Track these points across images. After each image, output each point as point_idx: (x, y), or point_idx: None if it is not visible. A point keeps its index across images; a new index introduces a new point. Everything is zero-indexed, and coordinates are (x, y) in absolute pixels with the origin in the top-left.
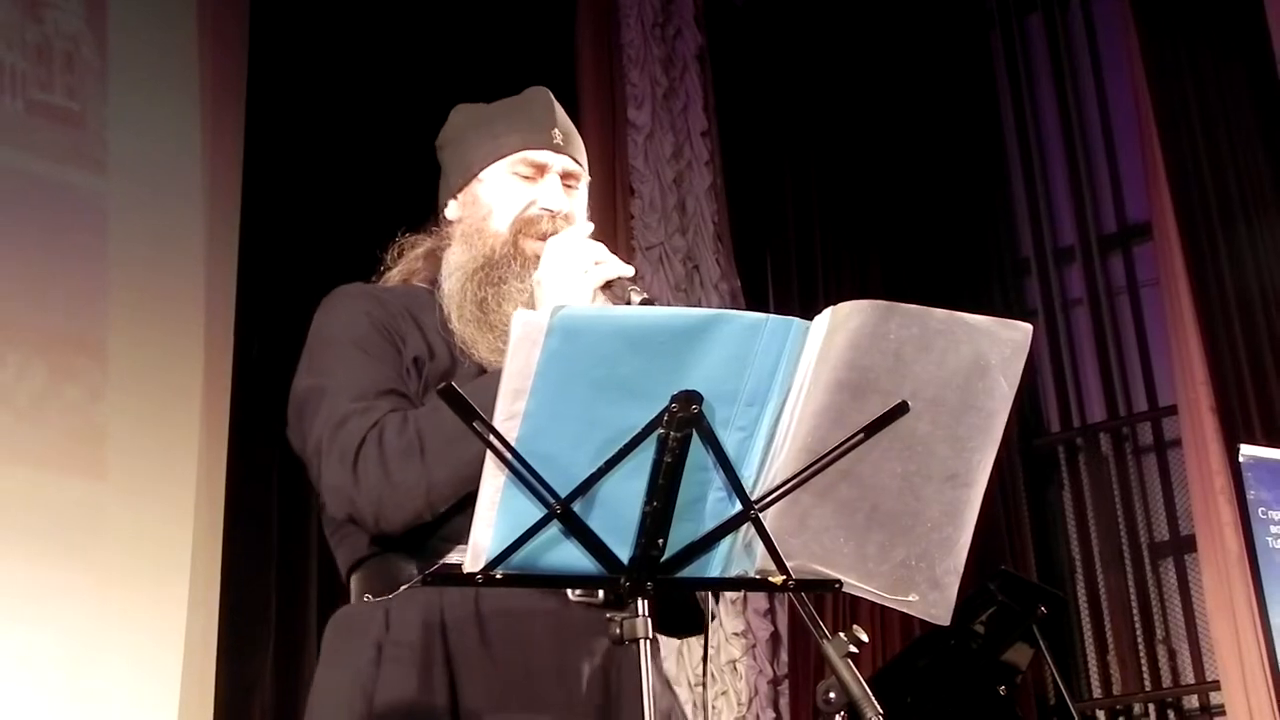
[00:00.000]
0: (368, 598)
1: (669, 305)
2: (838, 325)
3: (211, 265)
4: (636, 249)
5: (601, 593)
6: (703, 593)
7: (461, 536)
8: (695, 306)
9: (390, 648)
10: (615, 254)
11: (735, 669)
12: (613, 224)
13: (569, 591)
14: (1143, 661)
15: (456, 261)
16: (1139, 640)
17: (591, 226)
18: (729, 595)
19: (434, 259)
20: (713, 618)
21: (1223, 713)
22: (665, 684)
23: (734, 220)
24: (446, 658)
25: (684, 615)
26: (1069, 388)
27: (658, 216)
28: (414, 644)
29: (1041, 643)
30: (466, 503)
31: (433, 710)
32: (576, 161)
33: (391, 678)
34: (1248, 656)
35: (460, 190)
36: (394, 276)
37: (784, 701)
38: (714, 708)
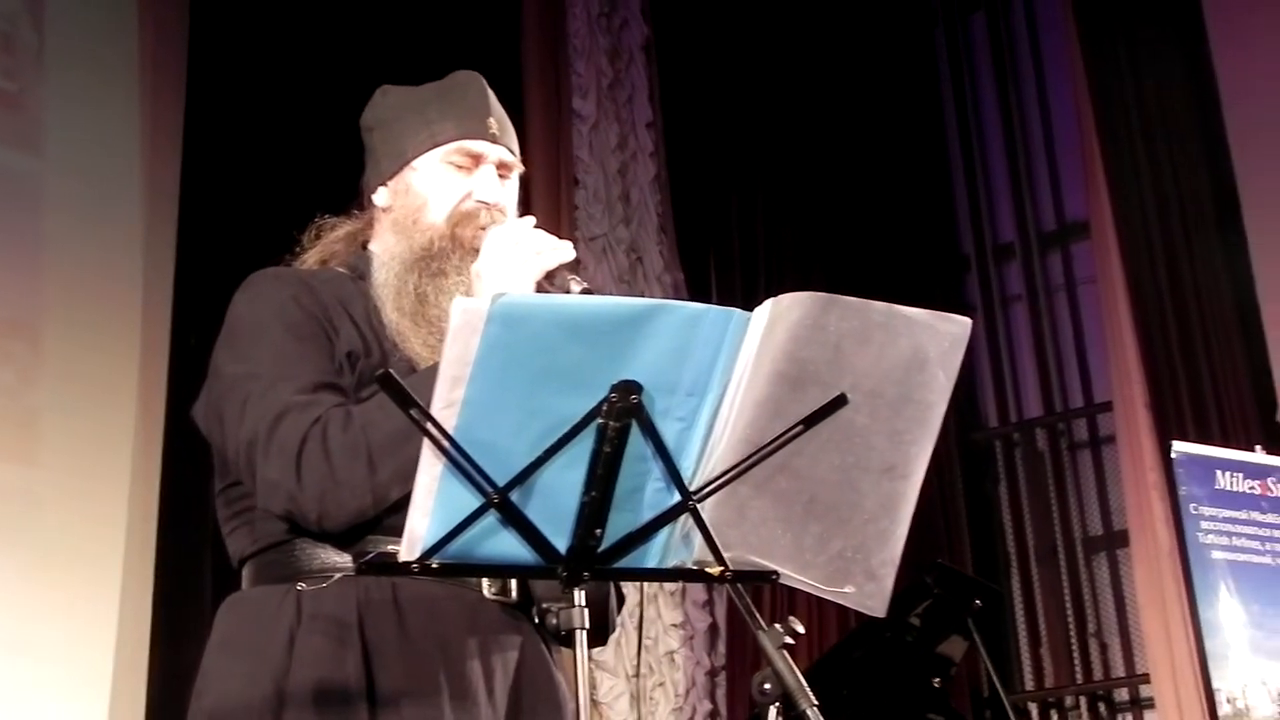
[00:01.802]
0: (301, 586)
1: (611, 296)
2: (778, 317)
3: (149, 250)
4: (580, 239)
5: (515, 592)
6: (612, 603)
7: (370, 528)
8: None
9: (305, 634)
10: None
11: (673, 660)
12: (556, 214)
13: (484, 588)
14: (1075, 654)
15: (392, 251)
16: (1071, 633)
17: (533, 219)
18: (668, 587)
19: (353, 243)
20: (614, 629)
21: (1152, 705)
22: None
23: (678, 212)
24: (363, 644)
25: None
26: (1007, 383)
27: (601, 207)
28: (330, 631)
29: (976, 635)
30: None
31: (348, 692)
32: (511, 152)
33: (305, 663)
34: (1177, 650)
35: (391, 177)
36: (311, 258)
37: (720, 693)
38: (651, 698)
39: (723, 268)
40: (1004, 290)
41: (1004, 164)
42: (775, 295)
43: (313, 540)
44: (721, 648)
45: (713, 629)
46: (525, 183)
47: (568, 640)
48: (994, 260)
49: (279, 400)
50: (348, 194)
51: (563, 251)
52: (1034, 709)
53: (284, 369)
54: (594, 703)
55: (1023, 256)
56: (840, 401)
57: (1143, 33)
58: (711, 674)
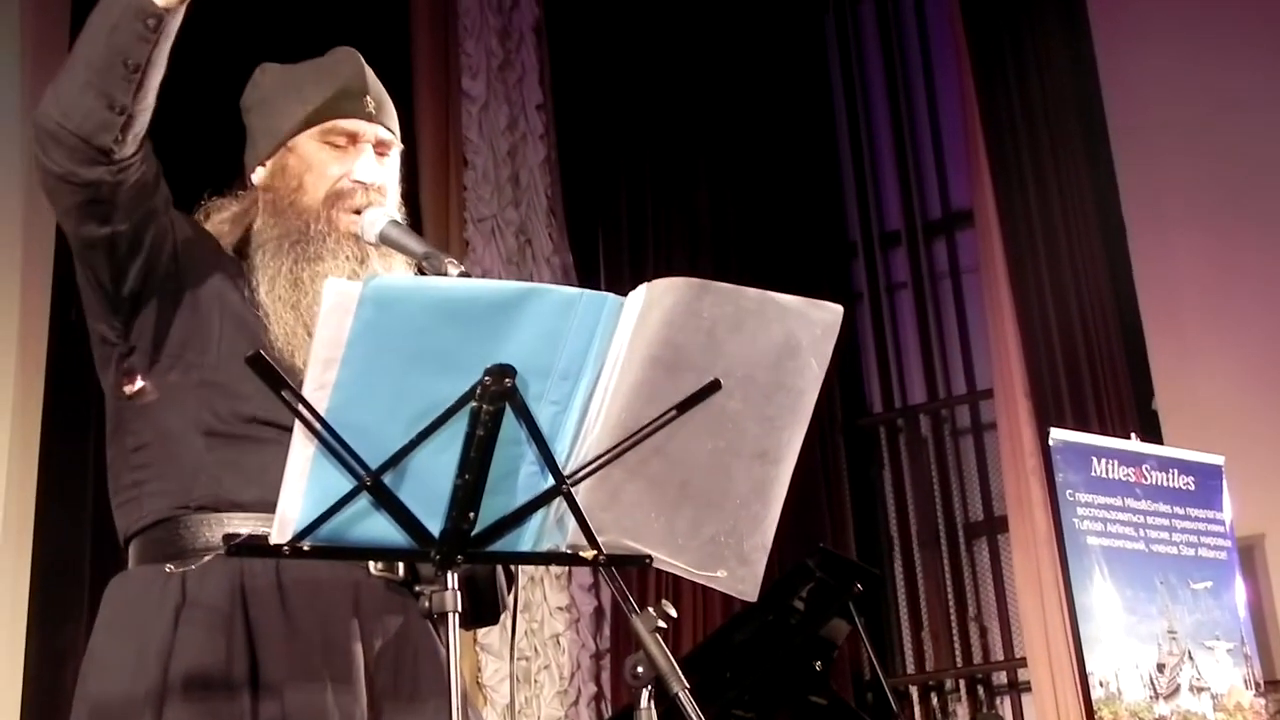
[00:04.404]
0: (170, 567)
1: (498, 279)
2: (653, 302)
3: (29, 222)
4: (469, 221)
5: (401, 569)
6: (502, 583)
7: (254, 507)
8: (526, 280)
9: (189, 616)
10: (447, 225)
11: (558, 643)
12: (445, 195)
13: (370, 566)
14: (955, 638)
15: (269, 234)
16: (952, 617)
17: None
18: (553, 570)
19: (239, 224)
20: (505, 609)
21: (1029, 689)
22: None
23: (567, 195)
24: (247, 627)
25: (478, 605)
26: (891, 370)
27: (491, 189)
28: (214, 612)
29: (858, 619)
30: (262, 476)
31: (231, 679)
32: (389, 130)
33: (190, 645)
34: (1053, 634)
35: (269, 157)
36: None
37: (605, 676)
38: (536, 681)
39: (612, 251)
40: (890, 277)
41: (891, 152)
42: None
43: (193, 523)
44: (607, 631)
45: (598, 612)
46: (413, 163)
47: (443, 622)
48: (880, 247)
49: None
50: (233, 172)
51: None
52: (914, 692)
53: None
54: (478, 685)
55: (908, 244)
56: (714, 387)
57: (1028, 25)
58: (596, 657)
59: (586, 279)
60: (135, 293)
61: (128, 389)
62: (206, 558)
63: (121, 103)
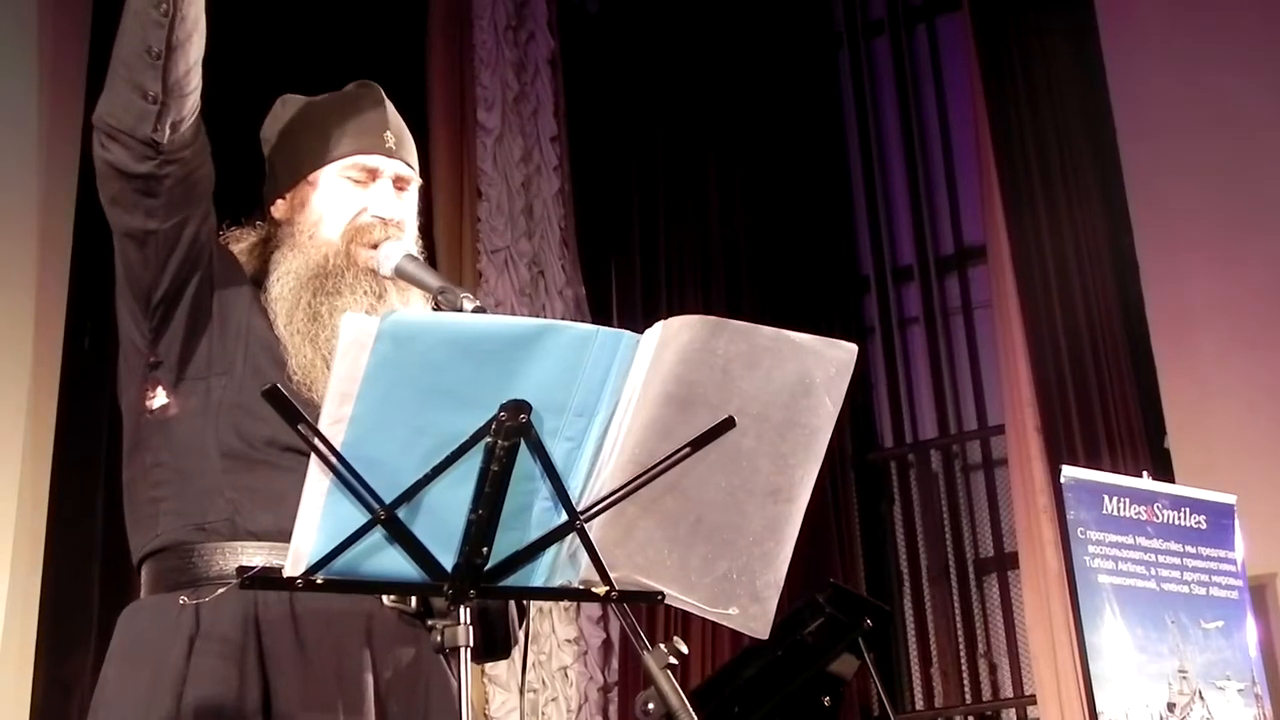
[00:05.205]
0: (184, 599)
1: (513, 310)
2: (668, 339)
3: (44, 253)
4: (482, 252)
5: (414, 601)
6: (513, 617)
7: (269, 535)
8: (540, 312)
9: (202, 646)
10: (460, 257)
11: (566, 675)
12: (459, 226)
13: (383, 597)
14: (964, 674)
15: (288, 266)
16: (961, 654)
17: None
18: (562, 602)
19: (258, 255)
20: (516, 642)
21: None
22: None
23: (580, 227)
24: (260, 657)
25: (488, 640)
26: (903, 404)
27: (504, 220)
28: (228, 642)
29: (867, 655)
30: (278, 504)
31: (244, 709)
32: (409, 165)
33: (204, 675)
34: (1063, 672)
35: (288, 190)
36: None
37: (613, 709)
38: (544, 714)
39: (624, 283)
40: (902, 312)
41: (904, 187)
42: (677, 313)
43: (205, 549)
44: (615, 663)
45: (606, 645)
46: (428, 195)
47: (454, 656)
48: (893, 282)
49: None
50: (252, 202)
51: None
52: None
53: None
54: (486, 717)
55: (921, 279)
56: (728, 424)
57: (1042, 62)
58: (605, 690)
59: (599, 311)
60: (168, 300)
61: (150, 402)
62: (220, 589)
63: (153, 91)
